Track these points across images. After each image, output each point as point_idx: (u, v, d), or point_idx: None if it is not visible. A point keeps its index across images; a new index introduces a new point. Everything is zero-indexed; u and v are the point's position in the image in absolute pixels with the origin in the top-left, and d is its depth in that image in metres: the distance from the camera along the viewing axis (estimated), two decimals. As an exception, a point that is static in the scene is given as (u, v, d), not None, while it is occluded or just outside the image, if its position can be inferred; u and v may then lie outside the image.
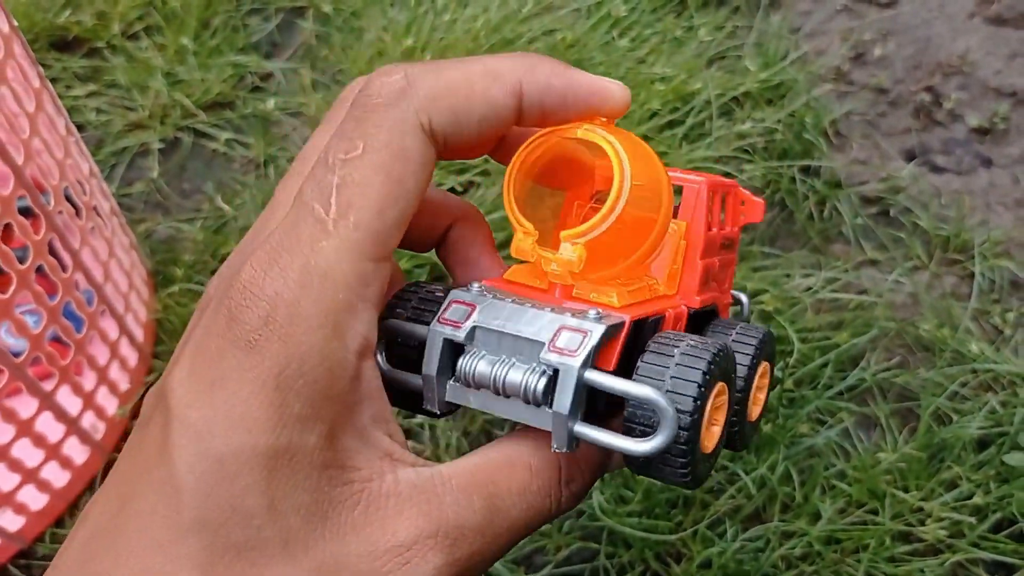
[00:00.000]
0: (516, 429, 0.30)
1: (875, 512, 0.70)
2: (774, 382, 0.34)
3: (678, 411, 0.26)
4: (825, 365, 0.76)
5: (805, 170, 0.91)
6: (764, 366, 0.35)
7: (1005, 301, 0.82)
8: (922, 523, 0.69)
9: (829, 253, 0.86)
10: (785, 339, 0.78)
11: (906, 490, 0.70)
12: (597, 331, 0.27)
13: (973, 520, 0.68)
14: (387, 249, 0.27)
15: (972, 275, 0.84)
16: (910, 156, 0.94)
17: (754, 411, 0.34)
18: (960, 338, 0.78)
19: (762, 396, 0.35)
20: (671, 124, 0.90)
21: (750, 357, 0.33)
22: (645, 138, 0.88)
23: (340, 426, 0.26)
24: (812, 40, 1.04)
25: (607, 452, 0.30)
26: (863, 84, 1.00)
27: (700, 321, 0.35)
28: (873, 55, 1.03)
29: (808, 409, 0.74)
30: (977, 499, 0.69)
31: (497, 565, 0.68)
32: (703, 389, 0.27)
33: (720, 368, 0.28)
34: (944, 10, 1.06)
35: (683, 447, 0.27)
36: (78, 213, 0.69)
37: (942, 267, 0.85)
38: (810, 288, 0.81)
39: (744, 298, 0.40)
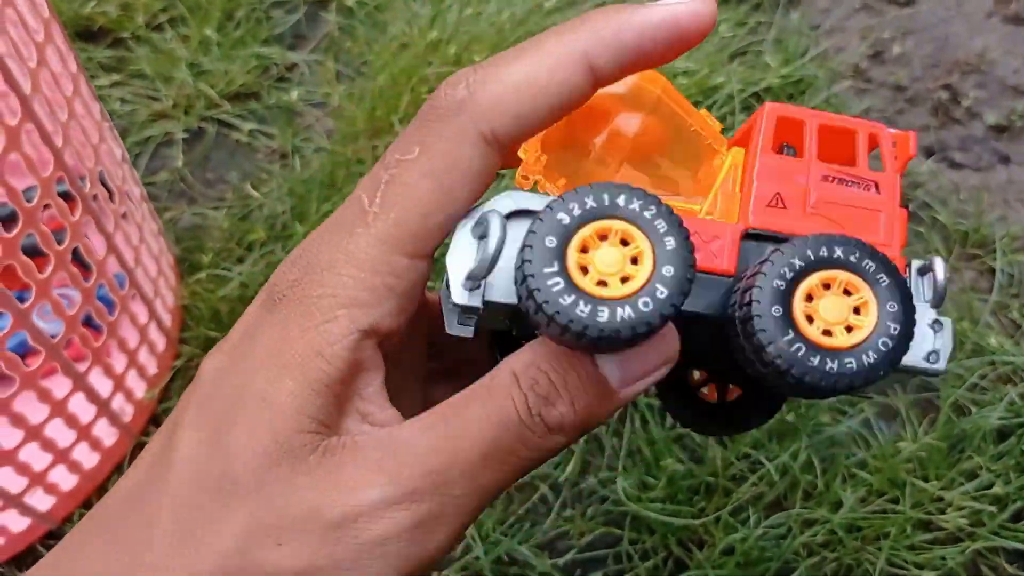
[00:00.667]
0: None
1: (896, 501, 0.70)
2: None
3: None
4: (846, 356, 0.77)
5: (825, 165, 0.92)
6: (837, 276, 0.28)
7: (1024, 296, 0.83)
8: (942, 512, 0.70)
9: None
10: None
11: (926, 479, 0.71)
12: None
13: (993, 509, 0.69)
14: (425, 249, 0.27)
15: (991, 270, 0.84)
16: (928, 153, 0.95)
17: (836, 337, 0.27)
18: (980, 331, 0.79)
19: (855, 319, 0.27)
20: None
21: (778, 266, 0.27)
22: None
23: (324, 384, 0.26)
24: (831, 37, 1.05)
25: (591, 365, 0.27)
26: (882, 82, 1.01)
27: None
28: (892, 53, 1.04)
29: (830, 399, 0.75)
30: (997, 489, 0.70)
31: (523, 549, 0.69)
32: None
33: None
34: (962, 9, 1.07)
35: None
36: (112, 197, 0.70)
37: (961, 262, 0.86)
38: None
39: (939, 264, 0.31)
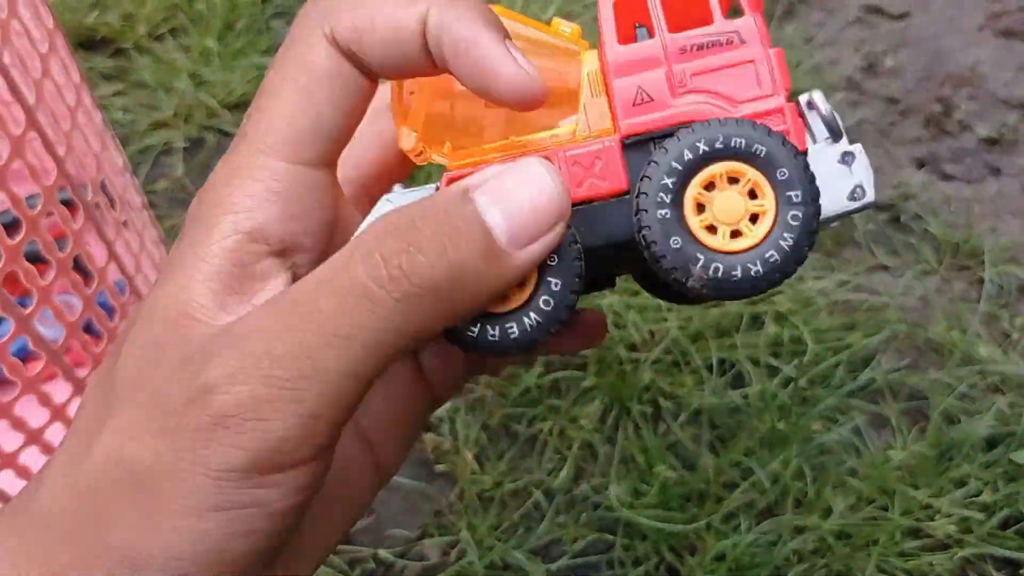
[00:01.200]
0: None
1: (885, 508, 0.71)
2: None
3: None
4: (838, 365, 0.78)
5: (818, 176, 0.93)
6: (728, 167, 0.26)
7: (1013, 306, 0.84)
8: (931, 519, 0.70)
9: (841, 258, 0.88)
10: (799, 339, 0.80)
11: (916, 487, 0.72)
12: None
13: (982, 516, 0.70)
14: (303, 154, 0.27)
15: (981, 280, 0.85)
16: (920, 164, 0.96)
17: (725, 239, 0.26)
18: (969, 341, 0.80)
19: (749, 218, 0.26)
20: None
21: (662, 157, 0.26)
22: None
23: (200, 281, 0.26)
24: (825, 50, 1.06)
25: (457, 203, 0.25)
26: (875, 94, 1.02)
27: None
28: (885, 66, 1.05)
29: (821, 407, 0.76)
30: (985, 496, 0.71)
31: (517, 555, 0.70)
32: None
33: None
34: (955, 23, 1.08)
35: None
36: (113, 205, 0.71)
37: (952, 272, 0.87)
38: (823, 290, 0.83)
39: (817, 96, 0.29)
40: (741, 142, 0.25)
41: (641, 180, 0.26)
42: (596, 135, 0.28)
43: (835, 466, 0.73)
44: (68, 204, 0.64)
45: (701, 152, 0.25)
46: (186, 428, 0.23)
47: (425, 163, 0.29)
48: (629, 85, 0.27)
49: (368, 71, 0.28)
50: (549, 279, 0.26)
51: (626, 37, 0.28)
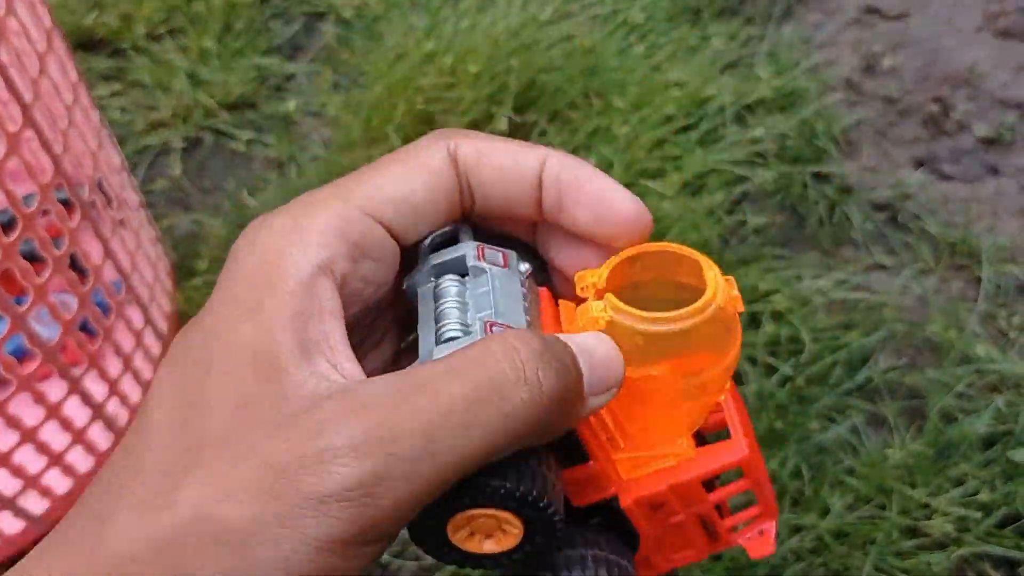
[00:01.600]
0: None
1: (883, 507, 0.71)
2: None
3: None
4: (835, 364, 0.78)
5: (816, 176, 0.93)
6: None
7: (1011, 305, 0.84)
8: (929, 518, 0.70)
9: (839, 257, 0.88)
10: (797, 338, 0.79)
11: (913, 486, 0.72)
12: None
13: (979, 516, 0.70)
14: (382, 211, 0.28)
15: (979, 280, 0.85)
16: (918, 164, 0.96)
17: None
18: (967, 340, 0.80)
19: None
20: (686, 128, 0.92)
21: None
22: (661, 141, 0.90)
23: (280, 326, 0.25)
24: (824, 50, 1.06)
25: (564, 346, 0.27)
26: (873, 94, 1.02)
27: None
28: (883, 66, 1.05)
29: (818, 406, 0.76)
30: (983, 495, 0.70)
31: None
32: None
33: None
34: (953, 23, 1.08)
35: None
36: (109, 203, 0.71)
37: (949, 272, 0.87)
38: (820, 289, 0.83)
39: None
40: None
41: None
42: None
43: (833, 465, 0.73)
44: (65, 203, 0.64)
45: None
46: (295, 495, 0.23)
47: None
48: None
49: (471, 195, 0.30)
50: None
51: None
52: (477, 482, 0.25)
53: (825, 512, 0.71)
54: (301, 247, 0.27)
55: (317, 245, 0.27)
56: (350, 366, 0.26)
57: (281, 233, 0.27)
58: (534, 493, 0.26)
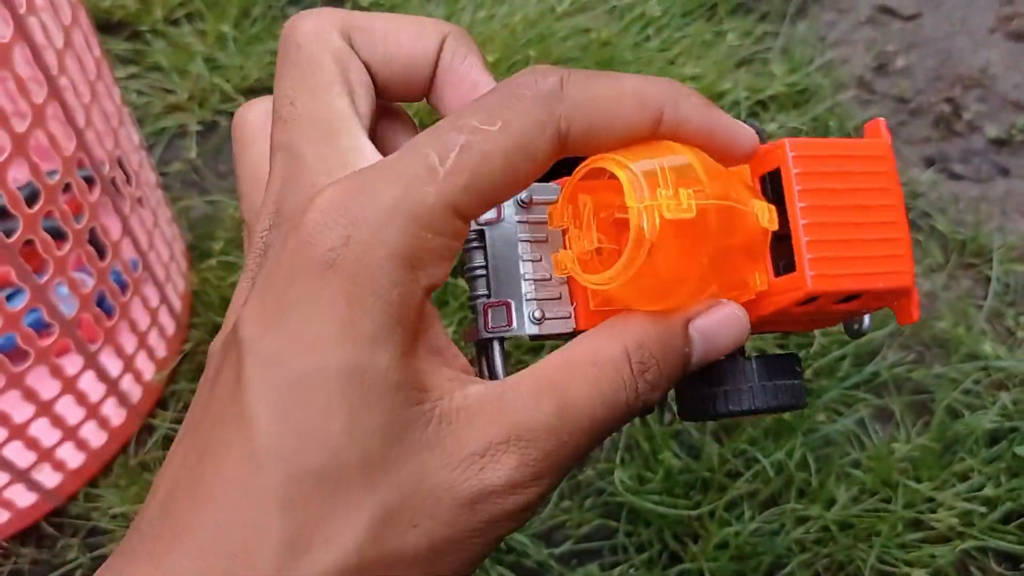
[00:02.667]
0: (576, 337, 0.30)
1: (888, 500, 0.72)
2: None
3: None
4: (843, 358, 0.79)
5: (827, 172, 0.93)
6: None
7: (1019, 304, 0.84)
8: (933, 512, 0.71)
9: (848, 253, 0.89)
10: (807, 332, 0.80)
11: (919, 480, 0.72)
12: None
13: (984, 510, 0.70)
14: (476, 216, 0.27)
15: (988, 278, 0.86)
16: (929, 163, 0.96)
17: None
18: (974, 337, 0.80)
19: None
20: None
21: None
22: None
23: (409, 350, 0.26)
24: (837, 49, 1.07)
25: (683, 341, 0.29)
26: (885, 93, 1.03)
27: None
28: (896, 65, 1.05)
29: (826, 399, 0.76)
30: (988, 490, 0.71)
31: (519, 537, 0.70)
32: None
33: None
34: (966, 24, 1.09)
35: None
36: (129, 180, 0.72)
37: (958, 270, 0.87)
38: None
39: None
40: None
41: None
42: None
43: (839, 457, 0.73)
44: (88, 182, 0.65)
45: None
46: (484, 515, 0.26)
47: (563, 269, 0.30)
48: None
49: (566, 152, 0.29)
50: None
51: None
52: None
53: (831, 503, 0.71)
54: (413, 276, 0.26)
55: (430, 267, 0.26)
56: (462, 361, 0.29)
57: (386, 253, 0.25)
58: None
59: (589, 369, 0.27)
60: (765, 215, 0.28)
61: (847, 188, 0.29)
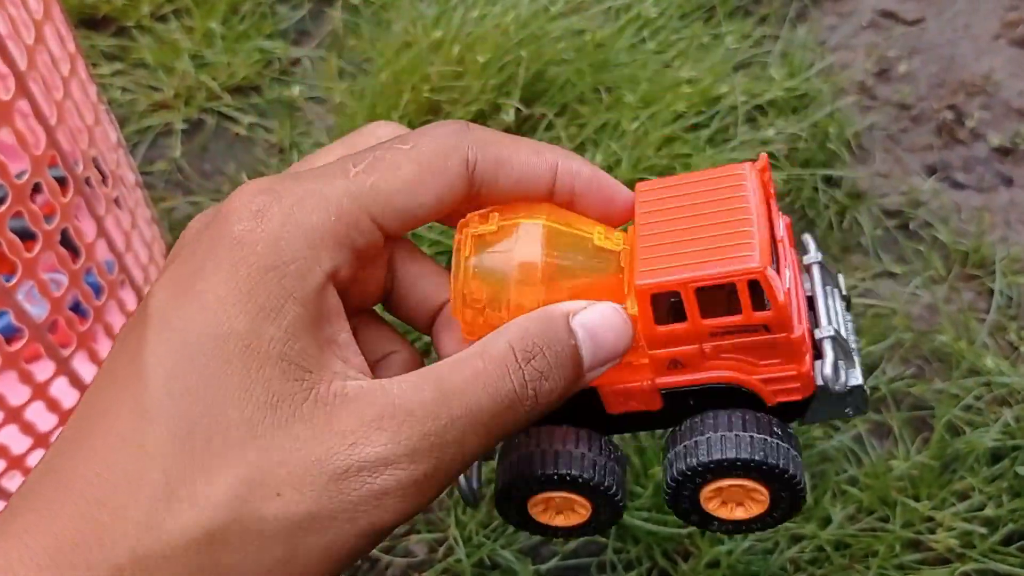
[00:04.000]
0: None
1: (886, 519, 0.70)
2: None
3: None
4: (841, 371, 0.76)
5: (827, 180, 0.91)
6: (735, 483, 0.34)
7: (1022, 318, 0.82)
8: (932, 532, 0.69)
9: (847, 263, 0.87)
10: (802, 343, 0.78)
11: (917, 499, 0.70)
12: None
13: (984, 531, 0.68)
14: (388, 224, 0.29)
15: (990, 291, 0.84)
16: (931, 171, 0.94)
17: None
18: (976, 352, 0.78)
19: None
20: (696, 127, 0.91)
21: None
22: (670, 139, 0.89)
23: (300, 329, 0.27)
24: (837, 53, 1.05)
25: (566, 331, 0.30)
26: (887, 99, 1.01)
27: None
28: (897, 71, 1.03)
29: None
30: (989, 511, 0.69)
31: (505, 554, 0.68)
32: None
33: None
34: (969, 30, 1.07)
35: None
36: (104, 180, 0.69)
37: (960, 282, 0.85)
38: (828, 295, 0.82)
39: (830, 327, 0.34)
40: (751, 460, 0.32)
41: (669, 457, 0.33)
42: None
43: (835, 474, 0.71)
44: (60, 182, 0.63)
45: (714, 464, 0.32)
46: (350, 496, 0.26)
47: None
48: (665, 357, 0.32)
49: (477, 198, 0.32)
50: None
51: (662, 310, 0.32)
52: (558, 474, 0.32)
53: (826, 522, 0.69)
54: (313, 254, 0.28)
55: (330, 250, 0.28)
56: (358, 361, 0.29)
57: (292, 230, 0.28)
58: (605, 483, 0.32)
59: (475, 361, 0.28)
60: (601, 236, 0.33)
61: (687, 213, 0.32)
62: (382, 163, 0.29)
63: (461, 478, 0.33)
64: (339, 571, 0.27)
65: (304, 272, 0.27)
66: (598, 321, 0.30)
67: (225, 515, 0.25)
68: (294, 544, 0.25)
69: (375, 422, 0.26)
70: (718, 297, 0.31)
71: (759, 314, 0.30)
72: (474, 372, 0.28)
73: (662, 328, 0.31)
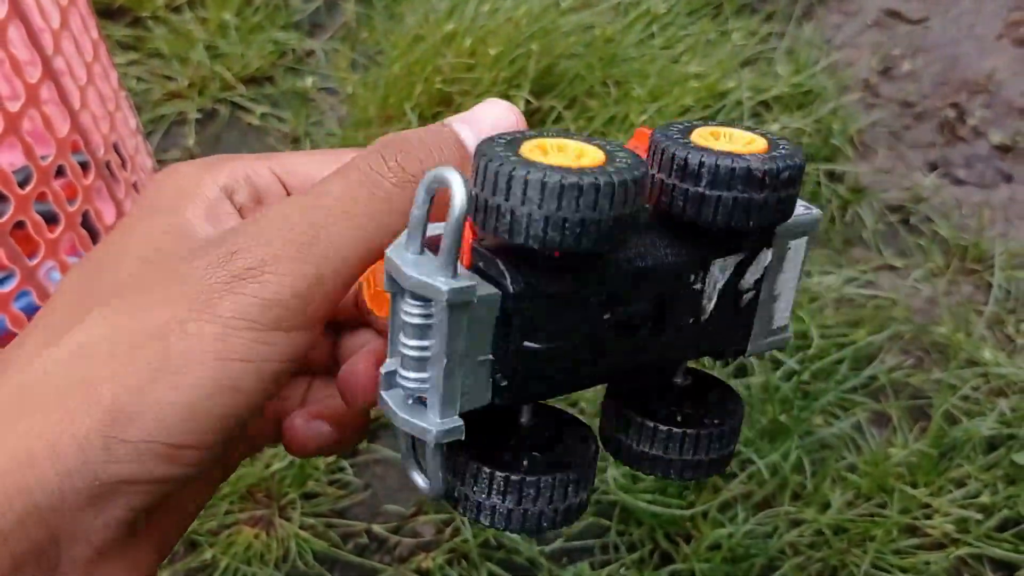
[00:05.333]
0: None
1: (883, 505, 0.71)
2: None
3: None
4: (841, 361, 0.78)
5: (830, 175, 0.92)
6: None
7: (1020, 311, 0.83)
8: (929, 518, 0.70)
9: (849, 256, 0.88)
10: (804, 333, 0.79)
11: (914, 486, 0.71)
12: None
13: (980, 517, 0.69)
14: (291, 183, 0.31)
15: (989, 285, 0.85)
16: (932, 168, 0.96)
17: None
18: (974, 343, 0.80)
19: None
20: (703, 121, 0.92)
21: None
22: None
23: (192, 214, 0.29)
24: (842, 51, 1.06)
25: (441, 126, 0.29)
26: (890, 97, 1.02)
27: None
28: (901, 69, 1.04)
29: (823, 402, 0.75)
30: (984, 498, 0.70)
31: (509, 534, 0.70)
32: None
33: None
34: (973, 30, 1.08)
35: None
36: (124, 165, 0.71)
37: (959, 275, 0.86)
38: (830, 286, 0.83)
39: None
40: None
41: None
42: None
43: (835, 461, 0.73)
44: (83, 166, 0.64)
45: None
46: (205, 285, 0.25)
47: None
48: None
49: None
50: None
51: None
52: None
53: (825, 507, 0.71)
54: (214, 173, 0.29)
55: (229, 172, 0.29)
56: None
57: (198, 166, 0.30)
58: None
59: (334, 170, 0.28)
60: None
61: None
62: (300, 151, 0.32)
63: (416, 474, 0.27)
64: (224, 379, 0.25)
65: (201, 185, 0.29)
66: (479, 112, 0.29)
67: (96, 335, 0.25)
68: (166, 348, 0.24)
69: (229, 232, 0.27)
70: None
71: None
72: (325, 177, 0.27)
73: None
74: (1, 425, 0.24)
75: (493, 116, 0.29)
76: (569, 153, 0.24)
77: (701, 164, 0.25)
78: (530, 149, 0.24)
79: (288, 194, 0.31)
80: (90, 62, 0.64)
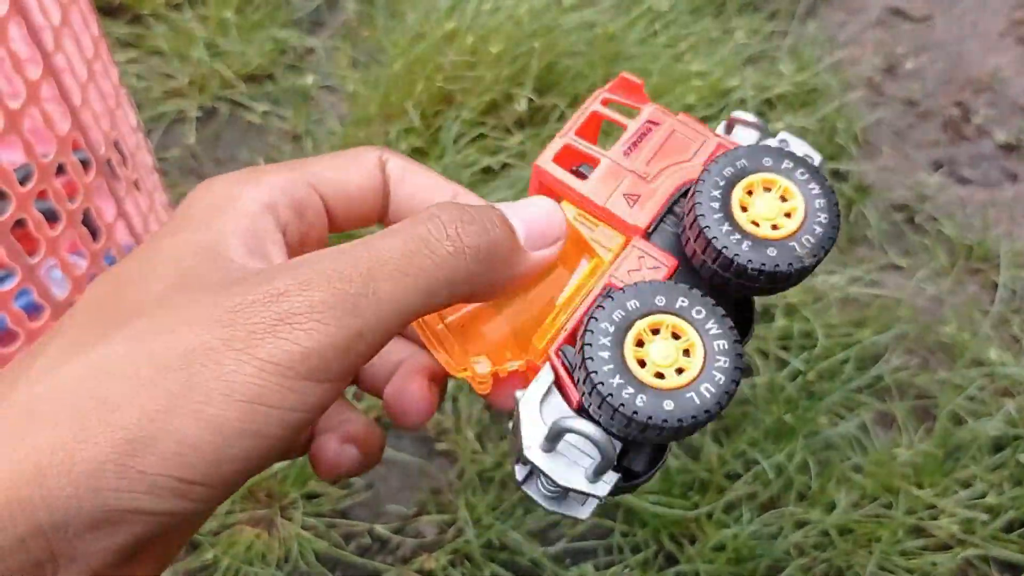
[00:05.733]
0: None
1: (889, 506, 0.71)
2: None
3: None
4: (846, 360, 0.77)
5: (835, 173, 0.92)
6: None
7: (1025, 311, 0.83)
8: (935, 519, 0.70)
9: (854, 255, 0.88)
10: (809, 333, 0.79)
11: (920, 486, 0.71)
12: None
13: (986, 518, 0.69)
14: (322, 187, 0.32)
15: (994, 284, 0.85)
16: (937, 167, 0.95)
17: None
18: (980, 343, 0.79)
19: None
20: (706, 119, 0.92)
21: None
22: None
23: (229, 231, 0.29)
24: (846, 49, 1.06)
25: (493, 211, 0.30)
26: (894, 95, 1.02)
27: None
28: (905, 68, 1.04)
29: (828, 402, 0.75)
30: (990, 498, 0.70)
31: (514, 535, 0.69)
32: None
33: None
34: (977, 28, 1.08)
35: None
36: (125, 163, 0.70)
37: (965, 275, 0.86)
38: (835, 285, 0.83)
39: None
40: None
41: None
42: (619, 249, 0.32)
43: (840, 461, 0.72)
44: (83, 164, 0.64)
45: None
46: (248, 323, 0.24)
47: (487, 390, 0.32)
48: (617, 198, 0.32)
49: (386, 202, 0.34)
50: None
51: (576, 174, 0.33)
52: None
53: (831, 508, 0.70)
54: (253, 188, 0.29)
55: (268, 187, 0.30)
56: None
57: (235, 180, 0.30)
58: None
59: (391, 227, 0.29)
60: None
61: None
62: (311, 157, 0.32)
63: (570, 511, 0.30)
64: (249, 423, 0.24)
65: (240, 200, 0.29)
66: (528, 205, 0.30)
67: (118, 353, 0.24)
68: (183, 380, 0.24)
69: (278, 271, 0.26)
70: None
71: (639, 116, 0.34)
72: (383, 231, 0.27)
73: (590, 182, 0.33)
74: (9, 434, 0.23)
75: (541, 215, 0.30)
76: (669, 358, 0.28)
77: (732, 262, 0.28)
78: (632, 356, 0.28)
79: (325, 206, 0.32)
80: (91, 59, 0.64)
